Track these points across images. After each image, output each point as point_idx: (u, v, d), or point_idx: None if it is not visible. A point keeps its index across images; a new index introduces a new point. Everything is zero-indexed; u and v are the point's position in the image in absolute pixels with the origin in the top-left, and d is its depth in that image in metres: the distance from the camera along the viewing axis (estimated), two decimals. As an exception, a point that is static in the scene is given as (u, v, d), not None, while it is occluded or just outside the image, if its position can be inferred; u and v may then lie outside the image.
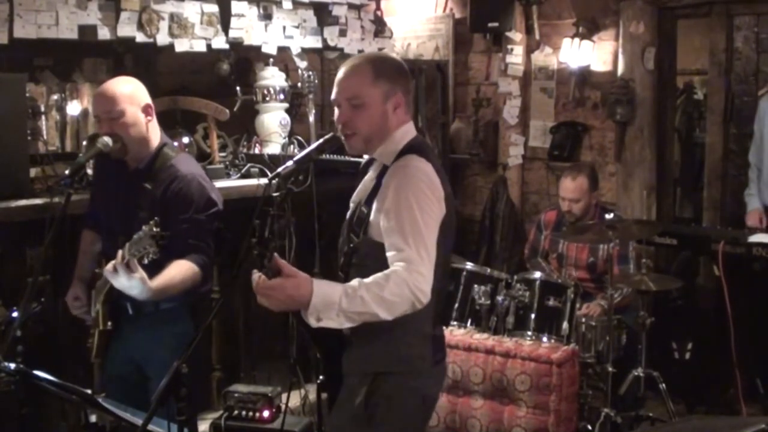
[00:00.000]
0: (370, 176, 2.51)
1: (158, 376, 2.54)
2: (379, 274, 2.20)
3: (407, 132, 2.45)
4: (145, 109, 3.05)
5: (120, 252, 2.70)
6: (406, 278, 2.18)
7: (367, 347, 2.37)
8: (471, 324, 4.24)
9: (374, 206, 2.36)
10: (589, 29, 5.25)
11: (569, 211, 4.61)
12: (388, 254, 2.25)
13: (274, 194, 2.33)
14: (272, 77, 4.65)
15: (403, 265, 2.20)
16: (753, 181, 4.63)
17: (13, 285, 3.51)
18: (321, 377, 2.47)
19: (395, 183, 2.31)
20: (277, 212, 2.15)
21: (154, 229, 2.58)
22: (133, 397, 2.82)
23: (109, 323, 3.05)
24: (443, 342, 2.54)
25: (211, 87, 4.71)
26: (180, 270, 2.89)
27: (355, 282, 2.19)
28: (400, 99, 2.41)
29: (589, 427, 4.01)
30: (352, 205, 2.53)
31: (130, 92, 3.02)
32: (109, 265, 2.73)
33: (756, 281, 4.34)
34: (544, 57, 5.55)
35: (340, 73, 2.42)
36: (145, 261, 2.66)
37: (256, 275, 2.15)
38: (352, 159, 4.57)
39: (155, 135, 3.10)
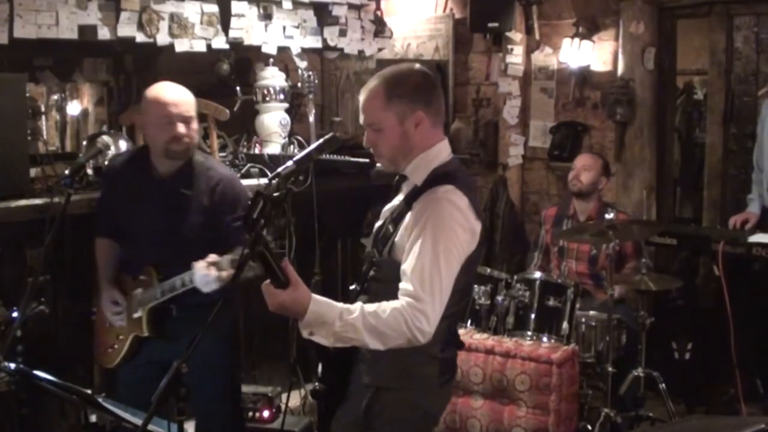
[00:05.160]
0: (401, 194, 2.49)
1: (198, 370, 2.67)
2: (382, 304, 2.21)
3: (439, 153, 2.40)
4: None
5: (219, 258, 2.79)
6: (405, 315, 2.18)
7: (373, 361, 2.38)
8: (471, 324, 4.24)
9: (401, 230, 2.34)
10: (589, 29, 5.25)
11: (576, 177, 4.67)
12: (400, 284, 2.25)
13: (275, 194, 2.33)
14: (272, 77, 4.65)
15: (408, 301, 2.20)
16: (754, 183, 4.62)
17: (13, 285, 3.51)
18: (316, 384, 2.48)
19: (426, 216, 2.27)
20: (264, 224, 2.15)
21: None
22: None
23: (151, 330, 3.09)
24: (453, 364, 2.52)
25: (211, 87, 4.71)
26: None
27: (355, 306, 2.20)
28: (421, 116, 2.35)
29: (589, 427, 4.01)
30: (381, 217, 2.51)
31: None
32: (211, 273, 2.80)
33: (756, 281, 4.34)
34: (544, 57, 5.55)
35: (360, 97, 2.42)
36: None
37: (266, 282, 2.19)
38: (352, 159, 4.59)
39: None
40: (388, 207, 2.51)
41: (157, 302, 3.05)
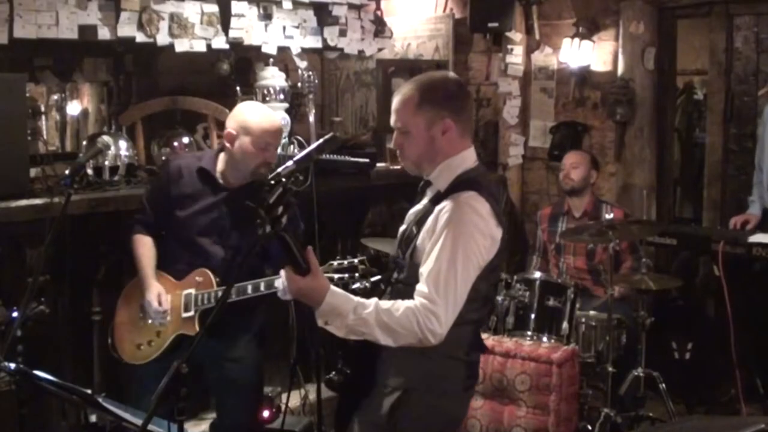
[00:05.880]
0: (426, 198, 2.51)
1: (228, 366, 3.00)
2: (396, 302, 2.25)
3: (464, 160, 2.42)
4: None
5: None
6: (418, 315, 2.21)
7: (400, 362, 2.38)
8: (471, 324, 4.24)
9: (422, 233, 2.36)
10: (589, 29, 5.25)
11: (567, 176, 4.73)
12: (417, 285, 2.28)
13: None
14: (272, 77, 4.64)
15: (422, 302, 2.23)
16: (755, 184, 4.62)
17: (13, 285, 3.51)
18: (333, 373, 2.48)
19: (446, 220, 2.29)
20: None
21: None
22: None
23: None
24: (477, 368, 2.54)
25: (211, 87, 4.71)
26: None
27: (370, 301, 2.25)
28: (449, 124, 2.37)
29: (589, 427, 4.01)
30: (406, 221, 2.53)
31: None
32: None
33: (756, 281, 4.34)
34: (544, 57, 5.55)
35: (393, 100, 2.45)
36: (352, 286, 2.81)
37: (287, 267, 2.25)
38: (352, 159, 4.60)
39: None
40: (412, 210, 2.54)
41: (208, 307, 3.10)
